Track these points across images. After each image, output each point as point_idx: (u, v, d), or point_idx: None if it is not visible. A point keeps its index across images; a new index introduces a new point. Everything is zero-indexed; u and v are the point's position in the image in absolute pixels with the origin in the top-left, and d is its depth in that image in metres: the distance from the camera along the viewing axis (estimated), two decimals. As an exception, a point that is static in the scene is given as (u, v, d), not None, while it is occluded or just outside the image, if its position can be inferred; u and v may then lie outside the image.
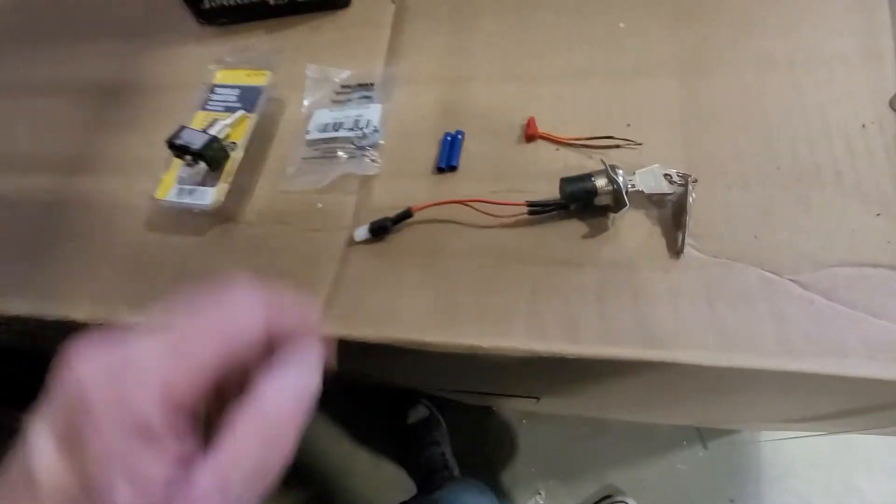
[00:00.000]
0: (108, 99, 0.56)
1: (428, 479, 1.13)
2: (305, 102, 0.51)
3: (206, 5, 0.54)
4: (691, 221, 0.38)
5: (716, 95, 0.43)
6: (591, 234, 0.40)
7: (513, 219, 0.41)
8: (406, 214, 0.43)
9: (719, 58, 0.45)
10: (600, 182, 0.39)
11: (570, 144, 0.43)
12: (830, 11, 0.45)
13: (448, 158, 0.44)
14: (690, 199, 0.38)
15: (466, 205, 0.42)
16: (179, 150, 0.42)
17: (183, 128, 0.42)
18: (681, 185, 0.40)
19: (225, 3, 0.54)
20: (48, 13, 0.64)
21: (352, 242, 0.43)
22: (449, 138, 0.45)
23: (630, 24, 0.48)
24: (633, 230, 0.40)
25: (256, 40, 0.56)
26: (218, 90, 0.49)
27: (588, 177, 0.39)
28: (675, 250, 0.38)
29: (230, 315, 0.21)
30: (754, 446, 1.35)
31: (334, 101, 0.51)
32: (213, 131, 0.44)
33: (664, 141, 0.42)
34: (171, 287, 0.43)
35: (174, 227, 0.46)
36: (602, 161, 0.40)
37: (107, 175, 0.51)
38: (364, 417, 1.42)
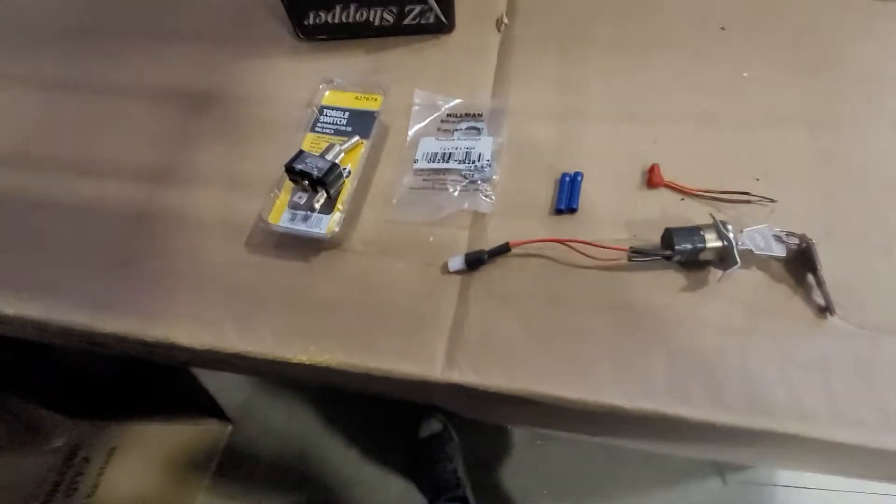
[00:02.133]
0: (196, 107, 0.55)
1: (438, 496, 1.12)
2: (411, 129, 0.50)
3: (310, 21, 0.53)
4: (826, 287, 0.37)
5: (851, 154, 0.42)
6: (693, 288, 0.39)
7: (613, 262, 0.40)
8: (503, 248, 0.41)
9: (852, 114, 0.44)
10: (710, 237, 0.38)
11: (698, 196, 0.42)
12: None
13: (568, 200, 0.43)
14: (819, 265, 0.37)
15: (567, 245, 0.41)
16: (299, 175, 0.40)
17: (302, 152, 0.41)
18: (794, 246, 0.39)
19: (329, 20, 0.52)
20: (134, 12, 0.63)
21: (446, 271, 0.42)
22: (567, 179, 0.44)
23: (753, 73, 0.47)
24: (749, 291, 0.38)
25: (355, 60, 0.55)
26: (327, 112, 0.47)
27: (696, 231, 0.38)
28: (818, 316, 0.36)
29: None
30: (771, 489, 1.33)
31: (440, 130, 0.50)
32: (330, 157, 0.42)
33: (798, 199, 0.41)
34: (279, 312, 0.42)
35: (278, 251, 0.45)
36: (711, 215, 0.39)
37: (199, 188, 0.49)
38: (375, 428, 1.40)
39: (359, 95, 0.48)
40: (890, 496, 1.29)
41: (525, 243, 0.41)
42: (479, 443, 1.44)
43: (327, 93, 0.49)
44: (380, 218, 0.46)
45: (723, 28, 0.49)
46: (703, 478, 1.36)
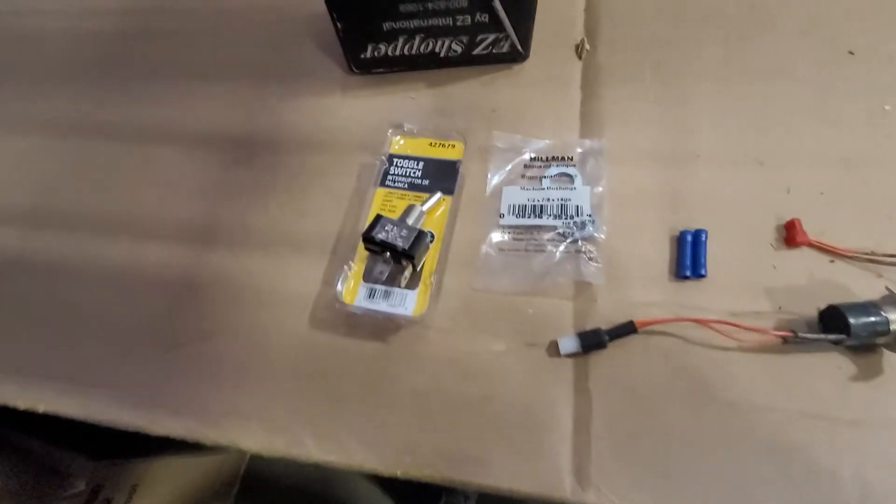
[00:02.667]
0: (239, 154, 0.48)
1: None
2: (492, 177, 0.44)
3: (368, 54, 0.46)
4: None
5: None
6: (867, 378, 0.32)
7: (761, 346, 0.33)
8: (628, 329, 0.35)
9: None
10: (893, 317, 0.31)
11: (852, 258, 0.36)
12: None
13: (694, 265, 0.37)
14: None
15: (710, 326, 0.35)
16: (380, 246, 0.34)
17: (380, 218, 0.35)
18: None
19: (390, 52, 0.46)
20: (162, 47, 0.56)
21: (554, 353, 0.35)
22: (689, 237, 0.38)
23: (897, 106, 0.41)
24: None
25: (417, 95, 0.49)
26: (399, 162, 0.41)
27: (873, 309, 0.31)
28: None
29: None
30: None
31: (525, 177, 0.43)
32: (411, 220, 0.36)
33: (978, 261, 0.35)
34: (361, 411, 0.35)
35: (350, 329, 0.38)
36: (888, 288, 0.33)
37: (251, 251, 0.43)
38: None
39: (433, 141, 0.42)
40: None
41: (655, 323, 0.34)
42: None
43: (395, 139, 0.43)
44: (464, 286, 0.39)
45: (851, 52, 0.43)
46: None
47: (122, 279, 0.44)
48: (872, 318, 0.30)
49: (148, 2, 0.61)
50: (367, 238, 0.34)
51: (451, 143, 0.41)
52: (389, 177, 0.40)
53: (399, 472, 0.32)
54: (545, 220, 0.40)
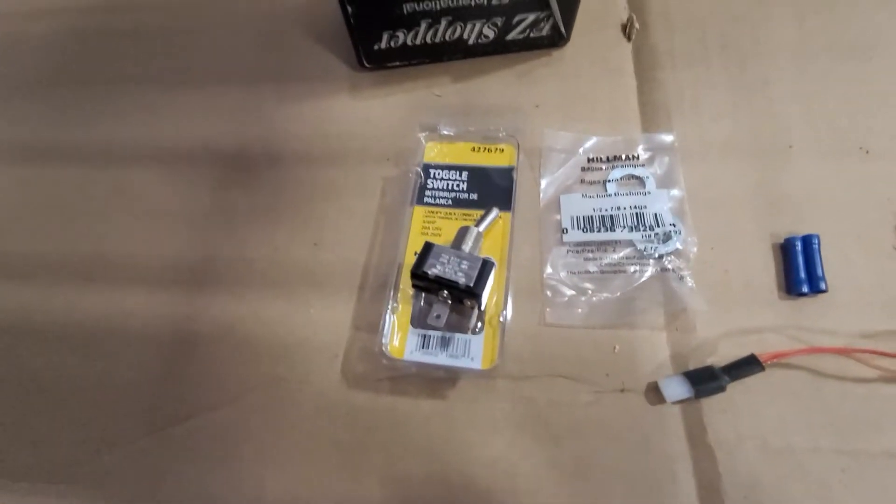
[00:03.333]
0: (235, 172, 0.40)
1: None
2: (544, 183, 0.37)
3: (383, 44, 0.39)
4: None
5: None
6: None
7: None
8: (752, 365, 0.28)
9: None
10: None
11: None
12: None
13: (811, 279, 0.30)
14: None
15: (850, 356, 0.29)
16: (435, 283, 0.27)
17: (431, 247, 0.27)
18: None
19: (409, 41, 0.39)
20: (135, 51, 0.47)
21: (655, 399, 0.28)
22: (799, 245, 0.32)
23: None
24: None
25: (441, 92, 0.41)
26: (436, 174, 0.34)
27: None
28: None
29: None
30: None
31: (585, 182, 0.36)
32: (468, 247, 0.29)
33: None
34: (420, 491, 0.28)
35: (393, 385, 0.30)
36: None
37: (259, 293, 0.34)
38: None
39: (477, 146, 0.35)
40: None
41: (784, 356, 0.28)
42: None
43: (428, 145, 0.35)
44: (530, 322, 0.32)
45: (948, 17, 0.38)
46: None
47: (96, 337, 0.35)
48: None
49: (108, -2, 0.52)
50: (418, 274, 0.27)
51: (500, 146, 0.34)
52: (427, 192, 0.33)
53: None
54: (619, 234, 0.33)
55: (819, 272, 0.30)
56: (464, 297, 0.27)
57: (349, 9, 0.35)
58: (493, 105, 0.40)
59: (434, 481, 0.28)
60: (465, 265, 0.27)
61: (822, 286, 0.30)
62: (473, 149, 0.34)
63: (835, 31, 0.38)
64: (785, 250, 0.32)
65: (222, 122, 0.43)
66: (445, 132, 0.35)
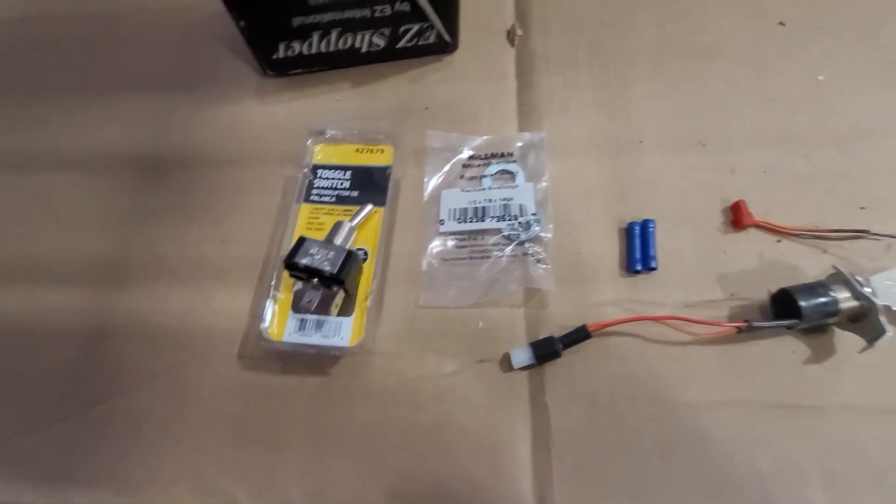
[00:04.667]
0: (149, 176, 0.43)
1: None
2: (428, 180, 0.40)
3: (281, 54, 0.42)
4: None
5: (967, 167, 0.36)
6: (820, 359, 0.31)
7: (715, 337, 0.32)
8: (582, 334, 0.33)
9: (957, 117, 0.37)
10: (842, 296, 0.30)
11: (798, 235, 0.35)
12: None
13: (644, 258, 0.35)
14: None
15: (664, 323, 0.33)
16: (304, 272, 0.30)
17: (303, 241, 0.31)
18: None
19: (305, 51, 0.42)
20: (51, 63, 0.49)
21: (507, 367, 0.33)
22: (637, 229, 0.36)
23: (830, 77, 0.39)
24: (892, 356, 0.31)
25: (342, 96, 0.45)
26: (323, 173, 0.37)
27: (822, 289, 0.30)
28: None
29: None
30: None
31: (465, 178, 0.40)
32: (339, 240, 0.32)
33: (918, 229, 0.34)
34: (305, 458, 0.32)
35: (285, 364, 0.34)
36: (835, 267, 0.32)
37: (168, 287, 0.38)
38: None
39: (360, 147, 0.38)
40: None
41: (609, 325, 0.33)
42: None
43: (317, 148, 0.38)
44: (409, 304, 0.36)
45: (782, 23, 0.42)
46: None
47: (18, 332, 0.38)
48: (822, 300, 0.29)
49: (28, 9, 0.53)
50: (290, 265, 0.30)
51: (380, 147, 0.38)
52: (314, 190, 0.37)
53: (350, 522, 0.29)
54: (488, 224, 0.37)
55: (651, 252, 0.35)
56: (331, 283, 0.31)
57: (241, 23, 0.38)
58: (386, 108, 0.43)
59: (311, 448, 0.32)
60: (331, 255, 0.30)
61: (653, 264, 0.34)
62: (358, 150, 0.38)
63: (687, 36, 0.43)
64: (627, 234, 0.36)
65: (138, 129, 0.46)
66: (331, 134, 0.38)
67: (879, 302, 0.30)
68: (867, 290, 0.29)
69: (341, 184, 0.36)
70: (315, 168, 0.37)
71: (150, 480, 0.32)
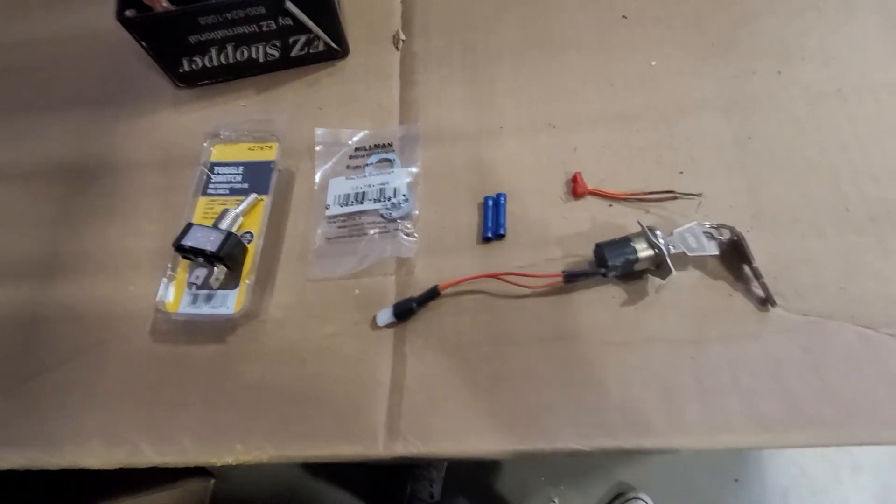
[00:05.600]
0: (77, 182, 0.48)
1: None
2: (318, 172, 0.46)
3: (186, 68, 0.47)
4: (763, 278, 0.36)
5: (769, 132, 0.41)
6: (633, 302, 0.37)
7: (550, 288, 0.38)
8: (433, 293, 0.38)
9: (764, 92, 0.43)
10: (640, 247, 0.36)
11: (625, 200, 0.40)
12: (869, 41, 0.43)
13: (495, 227, 0.40)
14: (752, 256, 0.36)
15: (500, 279, 0.39)
16: (191, 252, 0.36)
17: (190, 226, 0.36)
18: (725, 239, 0.37)
19: (207, 64, 0.47)
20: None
21: (376, 326, 0.38)
22: (490, 202, 0.41)
23: (662, 62, 0.45)
24: (688, 294, 0.37)
25: (246, 101, 0.50)
26: (219, 170, 0.42)
27: (626, 242, 0.36)
28: (760, 309, 0.35)
29: None
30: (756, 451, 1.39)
31: (350, 168, 0.46)
32: (225, 224, 0.38)
33: (724, 188, 0.39)
34: (199, 411, 0.37)
35: (189, 336, 0.40)
36: (639, 223, 0.37)
37: (93, 277, 0.43)
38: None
39: (252, 146, 0.43)
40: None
41: (455, 283, 0.38)
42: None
43: (214, 148, 0.44)
44: (299, 278, 0.42)
45: (624, 17, 0.47)
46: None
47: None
48: (625, 250, 0.35)
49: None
50: (178, 247, 0.36)
51: (269, 144, 0.43)
52: (211, 185, 0.42)
53: (231, 460, 0.34)
54: (367, 206, 0.43)
55: (501, 221, 0.40)
56: (214, 260, 0.36)
57: (143, 44, 0.43)
58: (286, 110, 0.48)
59: (207, 405, 0.37)
60: (215, 237, 0.36)
61: (502, 231, 0.40)
62: (250, 148, 0.43)
63: (544, 33, 0.48)
64: (483, 207, 0.41)
65: (69, 141, 0.51)
66: (226, 135, 0.44)
67: (674, 250, 0.35)
68: (661, 240, 0.35)
69: (235, 178, 0.42)
70: (212, 166, 0.43)
71: (70, 438, 0.37)
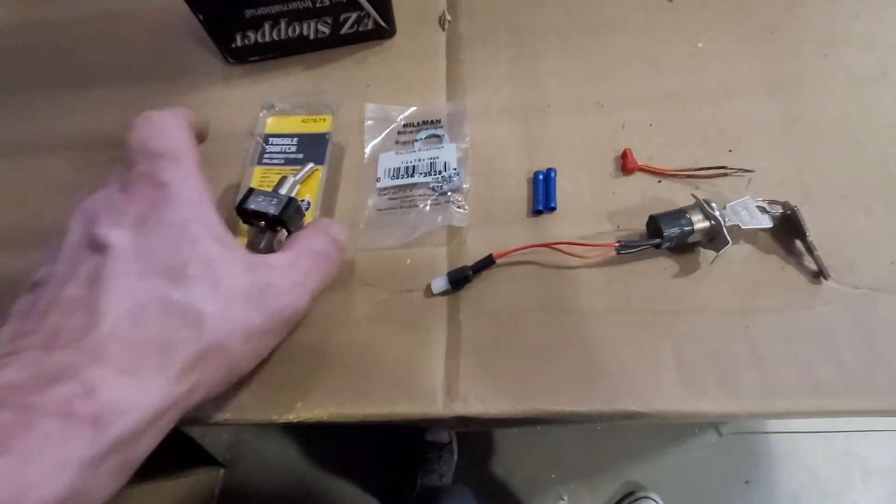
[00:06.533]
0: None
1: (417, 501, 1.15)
2: (367, 146, 0.47)
3: (239, 43, 0.48)
4: (817, 251, 0.37)
5: (816, 113, 0.42)
6: (686, 273, 0.37)
7: (602, 259, 0.38)
8: (488, 261, 0.39)
9: (810, 73, 0.43)
10: (696, 218, 0.37)
11: (674, 175, 0.41)
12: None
13: (546, 200, 0.41)
14: (807, 230, 0.37)
15: (553, 248, 0.39)
16: (253, 216, 0.36)
17: (252, 191, 0.37)
18: (778, 214, 0.38)
19: (259, 39, 0.48)
20: (39, 57, 0.56)
21: (429, 294, 0.39)
22: (541, 177, 0.42)
23: (708, 45, 0.46)
24: (740, 267, 0.37)
25: (296, 78, 0.51)
26: (273, 140, 0.43)
27: (682, 214, 0.37)
28: (812, 282, 0.36)
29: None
30: (764, 436, 1.39)
31: (399, 143, 0.47)
32: (284, 190, 0.39)
33: (773, 166, 0.40)
34: (256, 371, 0.38)
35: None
36: (693, 195, 0.38)
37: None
38: (376, 449, 1.36)
39: (305, 118, 0.44)
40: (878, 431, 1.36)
41: (509, 252, 0.39)
42: (482, 435, 1.43)
43: (269, 119, 0.45)
44: (350, 248, 0.42)
45: (670, 0, 0.48)
46: (700, 433, 1.40)
47: (16, 290, 0.45)
48: (680, 221, 0.36)
49: (18, 17, 0.60)
50: (240, 210, 0.37)
51: (322, 117, 0.44)
52: (266, 155, 0.43)
53: (292, 417, 0.35)
54: (417, 179, 0.44)
55: (552, 194, 0.41)
56: (276, 224, 0.37)
57: (200, 16, 0.44)
58: (334, 86, 0.49)
59: (266, 364, 0.38)
60: (276, 201, 0.37)
61: (553, 204, 0.41)
62: (303, 120, 0.44)
63: (589, 16, 0.49)
64: (533, 181, 0.42)
65: (120, 116, 0.51)
66: (280, 107, 0.45)
67: (728, 222, 0.36)
68: (717, 212, 0.35)
69: (289, 148, 0.43)
70: (267, 137, 0.44)
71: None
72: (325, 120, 0.44)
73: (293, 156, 0.43)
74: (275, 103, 0.45)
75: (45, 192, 0.49)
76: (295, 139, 0.43)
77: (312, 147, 0.43)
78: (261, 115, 0.45)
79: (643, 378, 0.34)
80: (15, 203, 0.49)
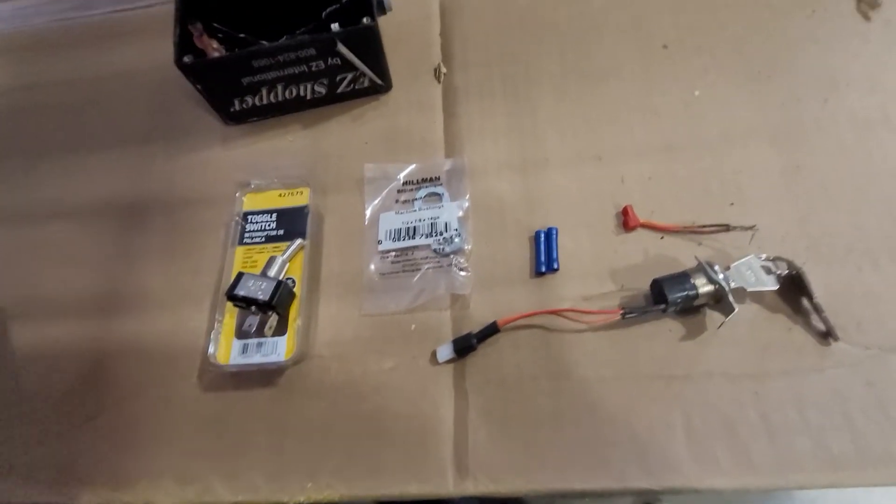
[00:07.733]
0: (133, 219, 0.50)
1: None
2: (368, 207, 0.47)
3: (237, 107, 0.49)
4: (824, 312, 0.36)
5: (818, 161, 0.41)
6: (692, 336, 0.37)
7: (607, 321, 0.38)
8: (492, 329, 0.39)
9: (811, 120, 0.43)
10: (700, 282, 0.36)
11: (677, 232, 0.41)
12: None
13: (548, 262, 0.41)
14: (813, 291, 0.36)
15: (558, 315, 0.39)
16: (244, 302, 0.37)
17: (241, 275, 0.37)
18: (783, 274, 0.37)
19: (257, 103, 0.48)
20: (40, 119, 0.57)
21: (435, 361, 0.39)
22: (542, 236, 0.42)
23: (705, 91, 0.45)
24: (747, 329, 0.37)
25: (293, 137, 0.51)
26: (252, 218, 0.44)
27: (686, 278, 0.36)
28: (821, 343, 0.35)
29: None
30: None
31: (399, 202, 0.47)
32: (273, 272, 0.39)
33: (776, 219, 0.40)
34: (267, 449, 0.38)
35: (241, 381, 0.40)
36: (696, 258, 0.38)
37: (152, 314, 0.45)
38: None
39: (282, 192, 0.45)
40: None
41: (514, 319, 0.38)
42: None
43: (245, 197, 0.45)
44: (351, 313, 0.42)
45: (665, 46, 0.48)
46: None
47: (31, 360, 0.45)
48: (684, 286, 0.35)
49: (19, 79, 0.61)
50: (231, 296, 0.37)
51: (299, 190, 0.45)
52: (247, 234, 0.43)
53: (303, 499, 0.35)
54: (419, 240, 0.44)
55: (554, 255, 0.41)
56: (266, 309, 0.37)
57: (198, 87, 0.45)
58: (331, 145, 0.50)
59: (272, 441, 0.38)
60: (264, 286, 0.37)
61: (556, 265, 0.40)
62: (280, 195, 0.45)
63: (584, 63, 0.49)
64: (534, 241, 0.42)
65: (121, 179, 0.52)
66: (255, 184, 0.45)
67: (733, 285, 0.35)
68: (720, 276, 0.35)
69: (269, 225, 0.43)
70: (245, 214, 0.44)
71: (142, 475, 0.38)
72: (302, 193, 0.44)
73: (273, 232, 0.43)
74: (251, 181, 0.45)
75: (47, 261, 0.49)
76: (274, 215, 0.44)
77: (292, 221, 0.43)
78: (237, 193, 0.45)
79: (654, 451, 0.33)
80: (20, 273, 0.49)
